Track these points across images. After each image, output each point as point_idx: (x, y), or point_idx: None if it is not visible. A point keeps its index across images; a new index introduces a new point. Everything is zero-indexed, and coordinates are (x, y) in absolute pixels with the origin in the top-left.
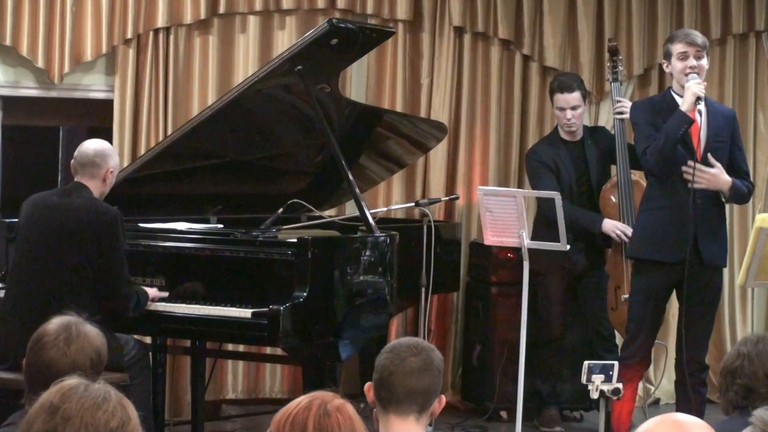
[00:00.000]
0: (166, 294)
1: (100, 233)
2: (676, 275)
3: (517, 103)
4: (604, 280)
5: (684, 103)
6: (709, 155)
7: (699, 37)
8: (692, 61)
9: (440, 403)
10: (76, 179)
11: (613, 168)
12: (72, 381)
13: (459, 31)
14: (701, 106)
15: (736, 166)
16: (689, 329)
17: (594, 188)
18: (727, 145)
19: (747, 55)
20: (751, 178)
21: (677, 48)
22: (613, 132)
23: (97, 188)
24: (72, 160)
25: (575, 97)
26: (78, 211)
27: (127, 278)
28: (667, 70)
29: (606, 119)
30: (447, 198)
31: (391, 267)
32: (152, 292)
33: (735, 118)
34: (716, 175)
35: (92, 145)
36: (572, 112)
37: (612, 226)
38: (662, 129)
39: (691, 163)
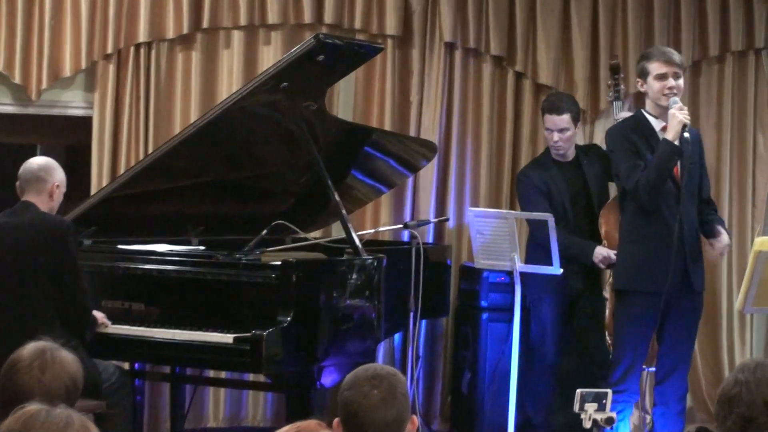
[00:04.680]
0: (108, 323)
1: (55, 247)
2: (665, 303)
3: (509, 121)
4: (602, 303)
5: (670, 131)
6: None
7: (677, 56)
8: (671, 82)
9: (413, 425)
10: (22, 199)
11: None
12: (33, 407)
13: (450, 47)
14: (686, 134)
15: (703, 191)
16: (673, 355)
17: (595, 208)
18: (697, 167)
19: (746, 73)
20: (751, 200)
21: (655, 67)
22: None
23: (44, 204)
24: (17, 181)
25: (564, 119)
26: (29, 228)
27: (84, 288)
28: (641, 89)
29: (601, 138)
30: (436, 219)
31: (379, 291)
32: (99, 315)
33: (701, 139)
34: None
35: (36, 161)
36: (559, 134)
37: (600, 255)
38: (650, 161)
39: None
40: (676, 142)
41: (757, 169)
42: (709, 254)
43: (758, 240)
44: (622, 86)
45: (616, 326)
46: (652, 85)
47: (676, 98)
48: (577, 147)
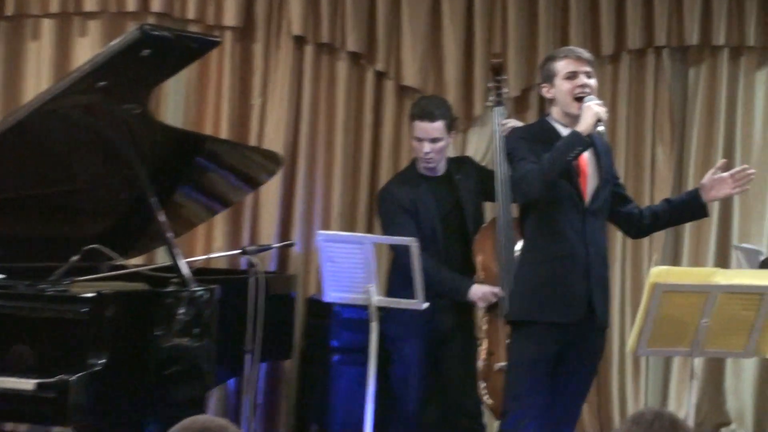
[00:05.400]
0: None
1: None
2: (567, 338)
3: (368, 128)
4: (474, 345)
5: (582, 123)
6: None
7: (588, 54)
8: (583, 79)
9: None
10: None
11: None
12: None
13: (299, 42)
14: (600, 127)
15: (623, 197)
16: (564, 398)
17: (470, 230)
18: (612, 180)
19: (644, 75)
20: None
21: (563, 66)
22: (484, 162)
23: None
24: None
25: (437, 127)
26: None
27: None
28: (547, 96)
29: (475, 149)
30: (280, 244)
31: (211, 328)
32: None
33: (611, 151)
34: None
35: None
36: (431, 145)
37: (479, 293)
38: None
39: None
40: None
41: (656, 188)
42: (722, 191)
43: (654, 271)
44: (505, 89)
45: (510, 366)
46: (561, 87)
47: (593, 96)
48: (449, 160)
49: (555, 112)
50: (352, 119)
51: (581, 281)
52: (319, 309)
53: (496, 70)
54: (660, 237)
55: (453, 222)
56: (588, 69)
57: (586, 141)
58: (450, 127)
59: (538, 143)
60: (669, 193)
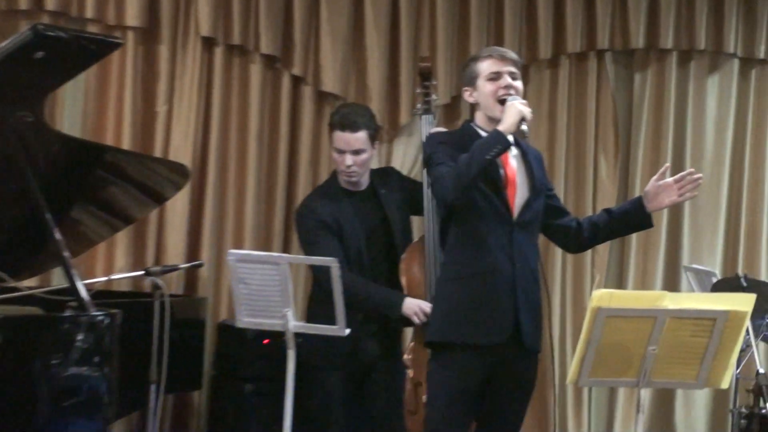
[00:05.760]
0: None
1: None
2: (493, 364)
3: (284, 138)
4: (401, 373)
5: (504, 122)
6: None
7: (513, 54)
8: (507, 80)
9: None
10: None
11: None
12: None
13: (208, 43)
14: (524, 126)
15: (557, 209)
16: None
17: (398, 249)
18: (544, 190)
19: (586, 80)
20: None
21: (486, 67)
22: (412, 175)
23: None
24: None
25: (360, 138)
26: None
27: None
28: (470, 100)
29: (402, 161)
30: (188, 265)
31: (111, 356)
32: None
33: (543, 159)
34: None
35: None
36: (354, 157)
37: (415, 307)
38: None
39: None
40: (510, 138)
41: (599, 201)
42: (666, 198)
43: (596, 294)
44: (434, 96)
45: (429, 395)
46: (484, 89)
47: (517, 97)
48: (372, 172)
49: (478, 118)
50: (267, 128)
51: (506, 300)
52: (230, 335)
53: (424, 75)
54: (603, 256)
55: (379, 240)
56: (513, 69)
57: (507, 140)
58: (374, 138)
59: (459, 150)
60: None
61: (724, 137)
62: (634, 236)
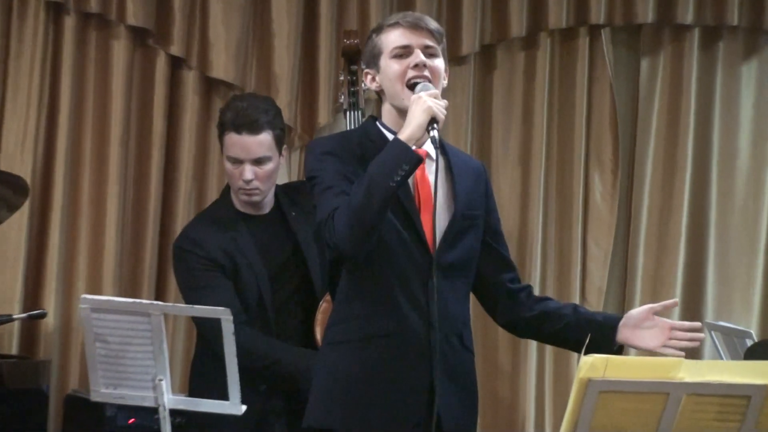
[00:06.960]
0: None
1: None
2: None
3: (158, 141)
4: None
5: (407, 127)
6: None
7: (431, 22)
8: (420, 57)
9: None
10: None
11: None
12: None
13: (56, 11)
14: (434, 133)
15: (497, 255)
16: None
17: (316, 292)
18: (481, 222)
19: (574, 66)
20: (579, 285)
21: (392, 39)
22: None
23: None
24: None
25: (262, 141)
26: None
27: None
28: (372, 86)
29: None
30: (25, 315)
31: None
32: None
33: (485, 174)
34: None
35: None
36: (255, 168)
37: None
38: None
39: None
40: (414, 147)
41: (591, 234)
42: (649, 340)
43: (585, 363)
44: (365, 85)
45: None
46: (388, 70)
47: (430, 85)
48: (279, 189)
49: (385, 112)
50: (135, 127)
51: (419, 372)
52: (82, 411)
53: (350, 55)
54: (595, 302)
55: (289, 281)
56: (429, 43)
57: (414, 154)
58: (281, 142)
59: (358, 163)
60: (610, 244)
61: (764, 146)
62: (638, 280)
